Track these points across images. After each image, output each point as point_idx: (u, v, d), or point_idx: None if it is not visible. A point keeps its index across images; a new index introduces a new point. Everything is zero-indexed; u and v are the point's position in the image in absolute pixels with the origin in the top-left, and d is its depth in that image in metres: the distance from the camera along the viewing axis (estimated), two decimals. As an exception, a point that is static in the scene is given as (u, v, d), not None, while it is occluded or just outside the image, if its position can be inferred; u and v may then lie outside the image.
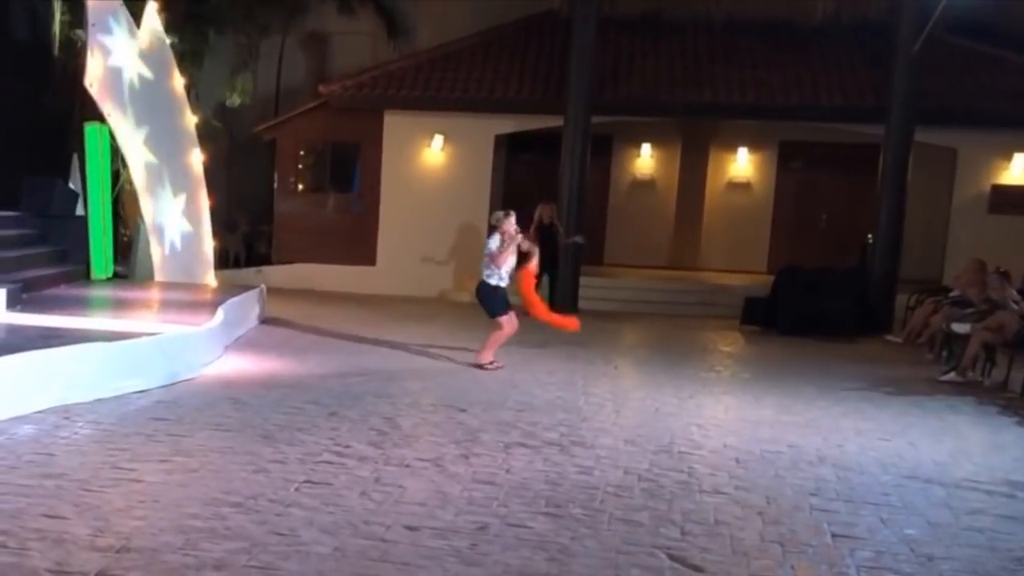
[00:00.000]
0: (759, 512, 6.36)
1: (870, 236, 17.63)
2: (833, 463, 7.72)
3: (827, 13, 19.33)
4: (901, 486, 7.15)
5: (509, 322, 11.35)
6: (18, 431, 7.27)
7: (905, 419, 9.61)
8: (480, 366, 11.18)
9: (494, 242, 11.13)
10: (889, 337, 15.46)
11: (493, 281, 11.18)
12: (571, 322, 12.66)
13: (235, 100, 19.77)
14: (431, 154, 19.58)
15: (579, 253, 17.61)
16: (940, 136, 17.85)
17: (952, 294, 14.28)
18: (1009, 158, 18.26)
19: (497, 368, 11.18)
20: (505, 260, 11.08)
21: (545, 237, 16.67)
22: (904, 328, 15.12)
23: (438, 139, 19.46)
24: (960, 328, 12.46)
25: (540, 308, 12.41)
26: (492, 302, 11.33)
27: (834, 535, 5.99)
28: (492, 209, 19.68)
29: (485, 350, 11.36)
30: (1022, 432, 9.34)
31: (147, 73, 14.45)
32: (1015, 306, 11.90)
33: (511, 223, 11.15)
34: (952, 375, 11.84)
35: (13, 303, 10.71)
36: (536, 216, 16.81)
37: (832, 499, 6.74)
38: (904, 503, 6.73)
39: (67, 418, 7.76)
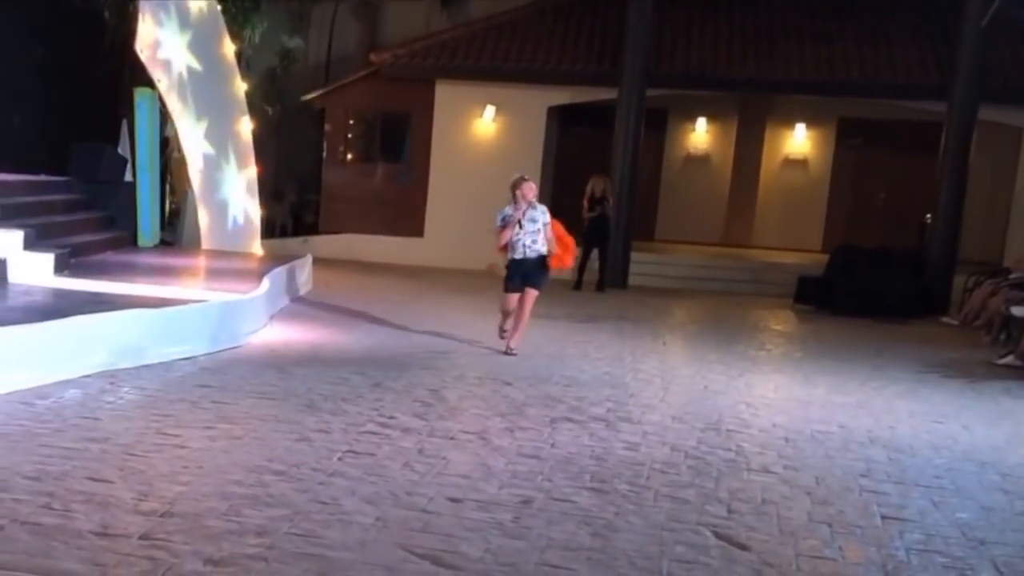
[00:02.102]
0: (807, 492, 6.23)
1: (928, 216, 17.27)
2: (884, 444, 7.56)
3: (890, -14, 18.92)
4: (954, 469, 6.98)
5: (502, 301, 10.36)
6: (65, 395, 7.31)
7: (959, 402, 9.40)
8: (505, 352, 10.26)
9: (501, 215, 10.14)
10: (945, 319, 15.19)
11: (508, 254, 10.20)
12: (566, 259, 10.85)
13: (288, 65, 19.68)
14: (482, 125, 19.47)
15: (627, 228, 17.46)
16: (1005, 115, 17.40)
17: (1012, 276, 13.98)
18: (1077, 137, 17.79)
19: (508, 352, 10.21)
20: (504, 237, 10.02)
21: (596, 211, 16.56)
22: (961, 310, 14.86)
23: (490, 110, 19.33)
24: (1020, 311, 12.20)
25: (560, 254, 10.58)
26: (508, 281, 10.29)
27: (884, 517, 5.85)
28: (543, 182, 19.69)
29: (512, 332, 10.36)
30: (1082, 418, 9.09)
31: (196, 65, 14.41)
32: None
33: (529, 187, 10.03)
34: (1010, 359, 11.57)
35: (61, 268, 10.79)
36: (589, 188, 16.67)
37: (882, 481, 6.59)
38: (956, 486, 6.57)
39: (113, 383, 7.79)
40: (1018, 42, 17.78)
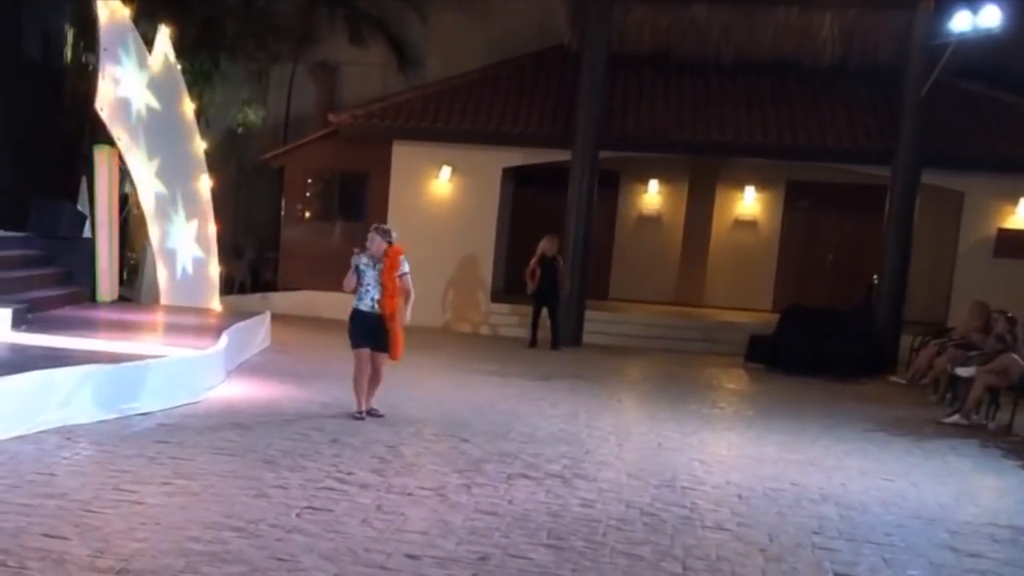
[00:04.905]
0: (761, 549, 6.34)
1: (876, 277, 17.63)
2: (836, 502, 7.69)
3: (835, 55, 19.44)
4: (903, 526, 7.13)
5: (355, 359, 9.64)
6: (20, 451, 7.26)
7: (908, 460, 9.58)
8: (359, 415, 9.54)
9: (353, 261, 9.64)
10: (893, 378, 15.43)
11: (353, 303, 9.64)
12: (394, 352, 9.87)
13: (249, 117, 19.82)
14: (439, 185, 19.65)
15: (582, 287, 17.64)
16: (947, 179, 17.90)
17: (955, 336, 14.29)
18: (1015, 202, 18.27)
19: (359, 416, 9.49)
20: (347, 286, 9.50)
21: (546, 271, 16.73)
22: (908, 369, 15.11)
23: (446, 170, 19.53)
24: (964, 371, 12.43)
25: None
26: (348, 329, 9.72)
27: (836, 574, 5.98)
28: (498, 241, 19.87)
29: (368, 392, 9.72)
30: (1026, 476, 9.31)
31: (155, 104, 14.53)
32: (1021, 349, 11.88)
33: (370, 238, 9.51)
34: (956, 418, 11.79)
35: (18, 323, 10.73)
36: (539, 249, 16.85)
37: (834, 537, 6.72)
38: (907, 543, 6.70)
39: (69, 439, 7.75)
40: (957, 110, 18.32)
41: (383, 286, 9.47)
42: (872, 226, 18.55)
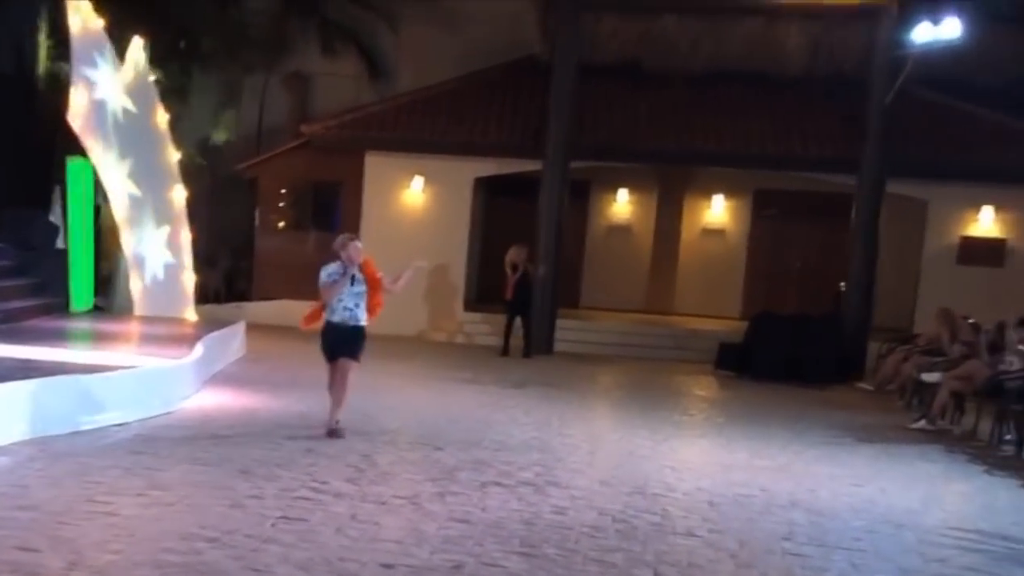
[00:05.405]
0: (732, 555, 6.43)
1: (842, 284, 17.84)
2: (805, 508, 7.79)
3: (802, 66, 19.64)
4: (872, 531, 7.23)
5: (331, 372, 9.46)
6: (-7, 462, 7.25)
7: (876, 465, 9.71)
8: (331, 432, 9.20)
9: (326, 272, 9.35)
10: (861, 384, 15.61)
11: (325, 315, 9.39)
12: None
13: (220, 136, 19.84)
14: (411, 195, 19.70)
15: (554, 296, 17.75)
16: (911, 188, 18.14)
17: (921, 343, 14.48)
18: (978, 210, 18.54)
19: (333, 434, 9.15)
20: (333, 295, 9.21)
21: (518, 280, 16.83)
22: (876, 376, 15.29)
23: (418, 180, 19.59)
24: (930, 377, 12.61)
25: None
26: (321, 342, 9.50)
27: (805, 579, 6.07)
28: (471, 251, 19.94)
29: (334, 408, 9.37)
30: (990, 480, 9.47)
31: (131, 107, 14.56)
32: (985, 355, 12.07)
33: (355, 248, 9.29)
34: (922, 423, 11.97)
35: (-9, 334, 10.69)
36: (508, 259, 16.96)
37: (804, 543, 6.81)
38: (875, 549, 6.81)
39: (43, 450, 7.74)
40: (921, 119, 18.55)
41: (367, 293, 9.29)
42: (839, 234, 18.76)
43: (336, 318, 9.28)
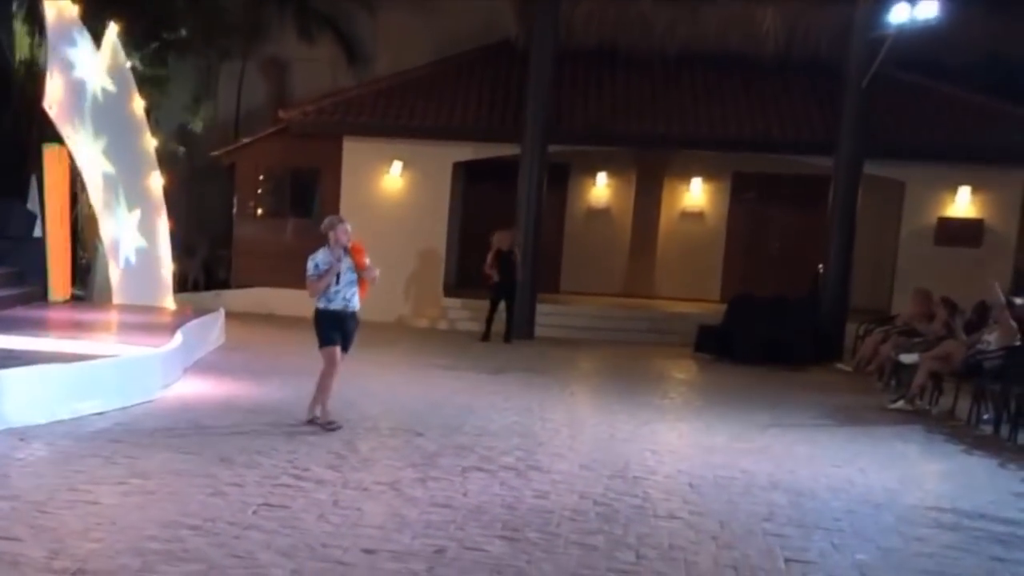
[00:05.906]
0: (713, 537, 6.47)
1: (821, 266, 17.93)
2: (785, 489, 7.85)
3: (779, 48, 19.72)
4: (852, 512, 7.29)
5: (329, 357, 9.21)
6: (-28, 453, 7.22)
7: (855, 446, 9.77)
8: (310, 421, 9.12)
9: (312, 262, 9.05)
10: (839, 365, 15.71)
11: (320, 303, 9.11)
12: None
13: (197, 124, 19.74)
14: (390, 180, 19.65)
15: (534, 281, 17.77)
16: (888, 169, 18.23)
17: (899, 323, 14.58)
18: (954, 191, 18.66)
19: (330, 428, 8.97)
20: (323, 283, 8.95)
21: (504, 265, 16.83)
22: (854, 357, 15.38)
23: (397, 165, 19.54)
24: (908, 358, 12.70)
25: None
26: (317, 328, 9.22)
27: (787, 560, 6.10)
28: (450, 235, 19.92)
29: (313, 400, 9.26)
30: (968, 460, 9.55)
31: (111, 87, 14.46)
32: (963, 335, 12.17)
33: (343, 229, 9.01)
34: (901, 403, 12.05)
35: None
36: (494, 244, 16.93)
37: (784, 524, 6.86)
38: (855, 529, 6.86)
39: (23, 439, 7.71)
40: (897, 101, 18.64)
41: (359, 279, 9.13)
42: (817, 216, 18.85)
43: (336, 306, 9.05)
